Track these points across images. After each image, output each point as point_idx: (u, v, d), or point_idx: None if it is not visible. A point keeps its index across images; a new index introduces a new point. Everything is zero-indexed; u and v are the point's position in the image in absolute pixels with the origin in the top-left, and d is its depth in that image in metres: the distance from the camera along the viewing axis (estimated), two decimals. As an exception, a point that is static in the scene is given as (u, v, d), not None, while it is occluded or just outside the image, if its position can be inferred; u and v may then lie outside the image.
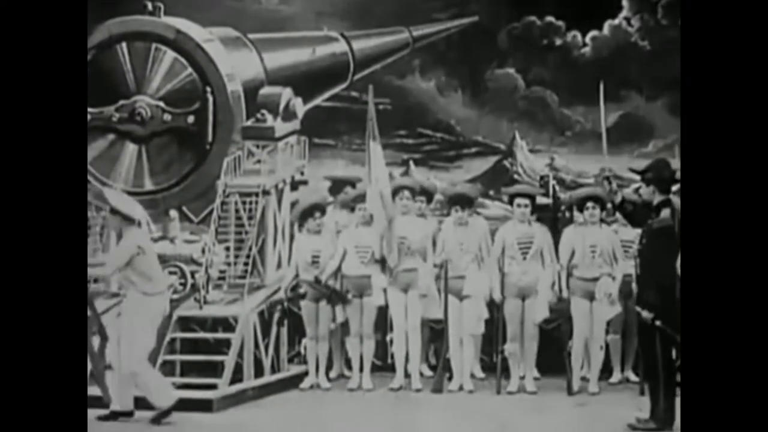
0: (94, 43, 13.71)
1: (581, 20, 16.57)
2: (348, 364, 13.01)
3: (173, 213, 13.07)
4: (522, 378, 12.34)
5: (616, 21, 16.71)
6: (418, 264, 12.51)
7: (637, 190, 11.27)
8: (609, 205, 11.98)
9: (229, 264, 12.86)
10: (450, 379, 12.51)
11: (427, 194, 13.18)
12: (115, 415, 10.77)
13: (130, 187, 13.67)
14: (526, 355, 12.32)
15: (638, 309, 10.26)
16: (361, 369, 12.64)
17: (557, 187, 13.85)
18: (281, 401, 12.12)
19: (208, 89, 13.85)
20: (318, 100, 15.61)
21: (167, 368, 11.85)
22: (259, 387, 12.15)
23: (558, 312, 12.40)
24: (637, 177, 10.66)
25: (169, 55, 13.88)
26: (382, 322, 13.00)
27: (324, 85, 15.78)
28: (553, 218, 13.23)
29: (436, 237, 12.63)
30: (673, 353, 10.10)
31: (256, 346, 12.31)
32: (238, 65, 14.30)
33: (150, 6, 13.92)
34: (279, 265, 13.19)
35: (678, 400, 9.56)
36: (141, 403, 10.79)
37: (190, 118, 13.90)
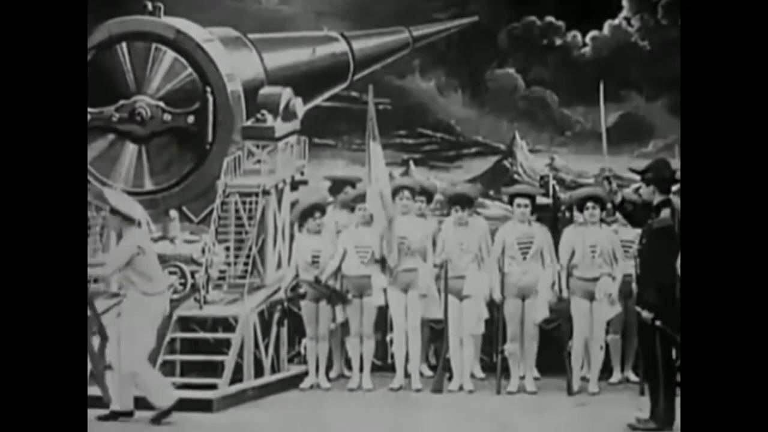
0: (94, 43, 13.71)
1: (581, 20, 16.57)
2: (348, 364, 13.01)
3: (173, 213, 13.07)
4: (522, 378, 12.34)
5: (616, 21, 16.71)
6: (418, 264, 12.51)
7: (637, 190, 11.27)
8: (609, 205, 11.98)
9: (229, 264, 12.86)
10: (450, 379, 12.51)
11: (427, 194, 13.18)
12: (115, 415, 10.77)
13: (130, 187, 13.66)
14: (526, 355, 12.32)
15: (638, 309, 10.26)
16: (361, 369, 12.64)
17: (557, 187, 13.85)
18: (281, 401, 12.12)
19: (208, 89, 13.84)
20: (318, 100, 15.61)
21: (167, 368, 11.85)
22: (259, 387, 12.15)
23: (558, 312, 12.40)
24: (637, 177, 10.66)
25: (169, 55, 13.88)
26: (382, 322, 13.00)
27: (324, 85, 15.78)
28: (553, 218, 13.23)
29: (436, 237, 12.63)
30: (673, 353, 10.10)
31: (256, 346, 12.31)
32: (238, 65, 14.29)
33: (150, 6, 13.92)
34: (279, 265, 13.19)
35: (678, 400, 9.56)
36: (141, 403, 10.79)
37: (190, 118, 13.90)
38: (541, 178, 14.22)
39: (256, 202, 12.93)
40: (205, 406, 11.21)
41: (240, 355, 12.00)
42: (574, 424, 11.09)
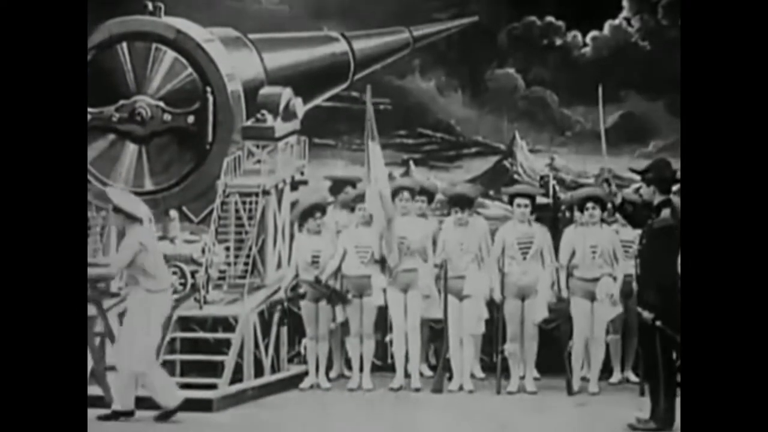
0: (95, 43, 13.70)
1: (581, 20, 16.57)
2: (348, 364, 13.02)
3: (173, 213, 13.07)
4: (522, 378, 12.34)
5: (616, 21, 16.71)
6: (417, 264, 12.51)
7: (637, 190, 11.27)
8: (609, 206, 11.98)
9: (229, 264, 12.86)
10: (450, 379, 12.51)
11: (428, 194, 13.17)
12: (116, 415, 10.75)
13: (131, 187, 13.65)
14: (526, 355, 12.32)
15: (639, 309, 10.25)
16: (361, 369, 12.64)
17: (557, 187, 13.86)
18: (281, 401, 12.12)
19: (208, 89, 13.84)
20: (318, 100, 15.60)
21: (167, 368, 11.80)
22: (259, 387, 12.15)
23: (557, 312, 12.40)
24: (637, 177, 10.66)
25: (170, 55, 13.88)
26: (382, 322, 13.00)
27: (324, 85, 15.77)
28: (553, 218, 13.24)
29: (436, 237, 12.63)
30: (674, 353, 10.09)
31: (256, 346, 12.31)
32: (238, 65, 14.29)
33: (150, 6, 13.92)
34: (279, 265, 13.19)
35: (678, 400, 9.56)
36: (141, 403, 10.79)
37: (190, 118, 13.90)
38: (541, 178, 14.23)
39: (256, 202, 12.93)
40: (205, 405, 11.21)
41: (240, 355, 12.00)
42: (574, 424, 11.09)
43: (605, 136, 11.63)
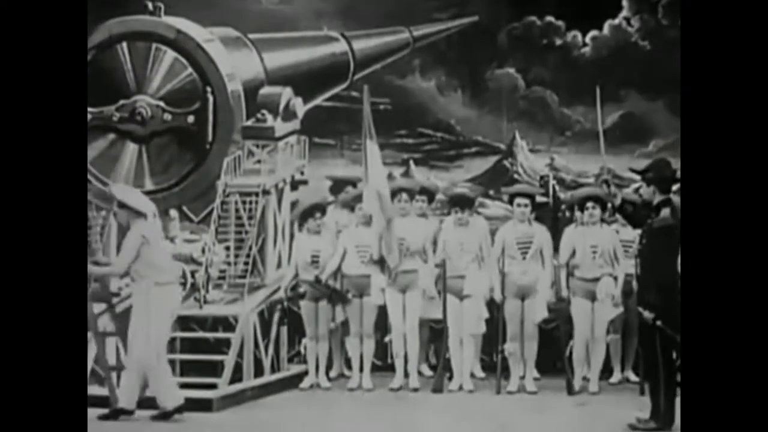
0: (95, 43, 13.70)
1: (581, 20, 16.56)
2: (348, 363, 13.02)
3: (173, 213, 13.06)
4: (522, 378, 12.34)
5: (616, 21, 16.71)
6: (417, 265, 12.50)
7: (637, 190, 11.27)
8: (609, 206, 11.98)
9: (229, 264, 12.86)
10: (450, 379, 12.51)
11: (429, 194, 13.17)
12: (116, 414, 10.75)
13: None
14: (526, 355, 12.32)
15: (640, 309, 10.25)
16: (361, 369, 12.64)
17: (557, 187, 13.85)
18: (281, 401, 12.12)
19: (209, 89, 13.84)
20: (318, 100, 15.60)
21: (167, 368, 11.85)
22: (259, 387, 12.15)
23: (557, 312, 12.40)
24: (637, 177, 10.65)
25: (170, 54, 13.87)
26: (382, 322, 12.99)
27: (324, 85, 15.77)
28: (553, 218, 13.24)
29: (437, 237, 12.63)
30: (674, 353, 10.09)
31: (256, 345, 12.31)
32: (238, 65, 14.29)
33: (150, 6, 13.91)
34: (279, 265, 13.19)
35: (678, 400, 9.56)
36: (141, 402, 10.79)
37: (190, 118, 13.89)
38: (541, 178, 14.22)
39: (256, 202, 12.93)
40: (205, 405, 11.21)
41: (240, 354, 12.00)
42: (574, 424, 11.08)
43: (605, 136, 11.63)
